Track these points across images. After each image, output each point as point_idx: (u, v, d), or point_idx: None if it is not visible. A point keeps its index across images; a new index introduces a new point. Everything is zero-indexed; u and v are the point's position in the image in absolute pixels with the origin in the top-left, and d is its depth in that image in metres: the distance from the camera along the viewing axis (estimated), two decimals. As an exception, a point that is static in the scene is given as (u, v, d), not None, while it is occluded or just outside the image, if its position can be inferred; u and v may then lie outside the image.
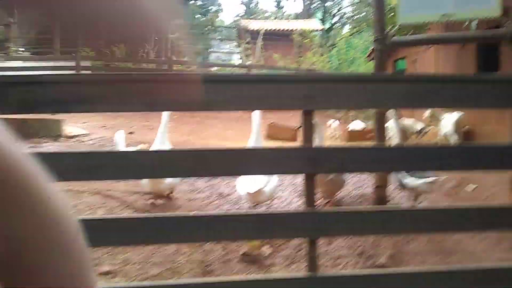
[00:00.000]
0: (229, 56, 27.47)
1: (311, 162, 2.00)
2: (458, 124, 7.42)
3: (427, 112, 8.25)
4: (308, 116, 2.07)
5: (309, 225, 2.05)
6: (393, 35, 3.83)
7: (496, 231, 3.18)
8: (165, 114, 4.50)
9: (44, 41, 18.02)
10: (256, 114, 4.58)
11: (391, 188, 4.36)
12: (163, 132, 4.41)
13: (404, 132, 8.58)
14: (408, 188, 3.93)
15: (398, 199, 4.40)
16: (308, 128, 2.08)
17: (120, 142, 4.60)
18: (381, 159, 2.06)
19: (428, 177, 3.87)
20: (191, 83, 1.91)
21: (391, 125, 5.02)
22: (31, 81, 1.96)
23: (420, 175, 3.88)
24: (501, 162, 2.09)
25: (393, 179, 4.14)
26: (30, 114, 1.97)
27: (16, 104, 1.95)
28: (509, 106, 2.35)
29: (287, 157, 2.02)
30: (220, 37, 30.33)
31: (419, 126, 8.42)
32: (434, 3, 3.63)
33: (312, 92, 2.02)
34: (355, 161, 2.03)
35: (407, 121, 8.69)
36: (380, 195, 3.90)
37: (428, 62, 9.39)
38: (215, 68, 23.55)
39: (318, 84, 2.01)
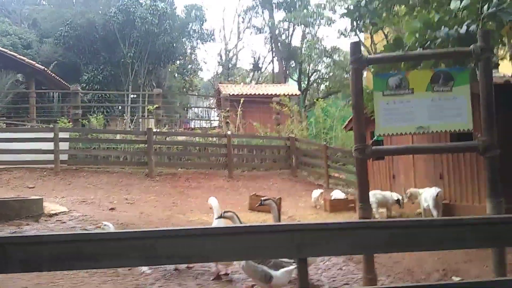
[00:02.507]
0: (207, 112, 27.84)
1: None
2: (438, 199, 7.62)
3: (408, 192, 8.52)
4: (303, 263, 2.12)
5: None
6: (372, 144, 3.99)
7: None
8: (214, 201, 5.35)
9: (20, 110, 17.98)
10: (213, 200, 5.27)
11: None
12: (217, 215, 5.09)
13: (385, 203, 8.77)
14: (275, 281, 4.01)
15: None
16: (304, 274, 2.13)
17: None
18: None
19: (288, 264, 4.03)
20: (191, 237, 1.92)
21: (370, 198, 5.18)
22: (34, 241, 1.96)
23: (275, 264, 4.04)
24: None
25: (255, 272, 4.14)
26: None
27: (19, 264, 1.94)
28: (491, 246, 2.46)
29: None
30: (198, 94, 30.86)
31: (395, 196, 8.67)
32: (410, 116, 3.86)
33: (304, 241, 2.09)
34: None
35: (386, 193, 8.89)
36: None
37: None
38: (193, 125, 23.76)
39: (309, 233, 2.09)
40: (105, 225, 5.30)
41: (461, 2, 4.96)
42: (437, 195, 7.62)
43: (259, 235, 2.09)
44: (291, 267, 4.04)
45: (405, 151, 5.10)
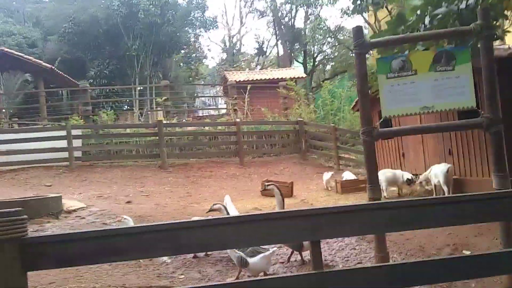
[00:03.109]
0: (214, 100, 27.93)
1: None
2: (448, 175, 7.70)
3: (420, 180, 8.49)
4: (316, 245, 2.26)
5: None
6: (379, 127, 4.09)
7: None
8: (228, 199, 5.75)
9: (31, 109, 18.23)
10: (227, 198, 5.54)
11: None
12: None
13: (395, 182, 8.86)
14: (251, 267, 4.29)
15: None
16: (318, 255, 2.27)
17: (229, 204, 5.65)
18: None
19: (265, 250, 4.29)
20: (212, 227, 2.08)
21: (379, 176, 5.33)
22: (66, 239, 2.12)
23: (253, 251, 4.33)
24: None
25: (235, 258, 4.45)
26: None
27: (54, 260, 2.10)
28: (490, 220, 2.57)
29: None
30: (204, 83, 30.95)
31: (406, 175, 8.71)
32: (414, 97, 3.94)
33: (318, 225, 2.23)
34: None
35: (397, 172, 8.95)
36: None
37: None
38: (201, 113, 23.92)
39: (322, 217, 2.23)
40: (125, 218, 5.50)
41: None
42: (447, 171, 7.71)
43: (276, 222, 2.23)
44: (267, 252, 4.33)
45: (411, 132, 5.19)
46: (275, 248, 4.52)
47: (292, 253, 5.13)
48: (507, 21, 6.59)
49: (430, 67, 4.03)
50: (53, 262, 2.22)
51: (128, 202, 9.49)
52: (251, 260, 4.33)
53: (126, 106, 23.60)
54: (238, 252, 4.37)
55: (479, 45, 4.02)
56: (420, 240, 5.27)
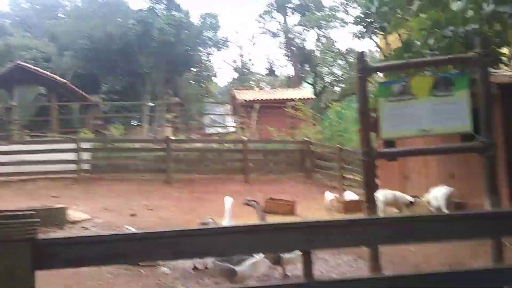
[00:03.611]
0: (222, 118, 28.21)
1: None
2: (448, 198, 7.77)
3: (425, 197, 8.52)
4: (307, 255, 2.40)
5: None
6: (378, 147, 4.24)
7: None
8: (228, 202, 5.79)
9: (43, 122, 18.60)
10: (227, 200, 5.65)
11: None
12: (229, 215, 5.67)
13: (395, 203, 8.90)
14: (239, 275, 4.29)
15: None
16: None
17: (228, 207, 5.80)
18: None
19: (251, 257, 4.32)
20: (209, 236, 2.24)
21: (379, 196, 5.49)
22: (75, 242, 2.27)
23: (238, 259, 4.35)
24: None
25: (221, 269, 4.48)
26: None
27: (63, 261, 2.25)
28: (480, 237, 2.69)
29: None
30: (213, 101, 31.33)
31: (408, 198, 8.74)
32: (412, 120, 4.10)
33: (313, 236, 2.36)
34: None
35: (398, 193, 9.00)
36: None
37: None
38: (210, 131, 24.18)
39: (317, 229, 2.36)
40: (127, 229, 5.66)
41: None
42: (448, 194, 7.78)
43: (272, 232, 2.36)
44: (253, 259, 4.38)
45: (410, 153, 5.33)
46: (261, 256, 4.50)
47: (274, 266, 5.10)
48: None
49: (429, 92, 4.19)
50: (62, 262, 2.36)
51: (133, 215, 9.64)
52: (239, 269, 4.33)
53: (135, 122, 23.95)
54: (223, 262, 4.35)
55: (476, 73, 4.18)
56: (416, 259, 5.36)
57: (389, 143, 4.44)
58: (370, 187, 4.23)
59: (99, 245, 2.32)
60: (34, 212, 2.53)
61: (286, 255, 4.57)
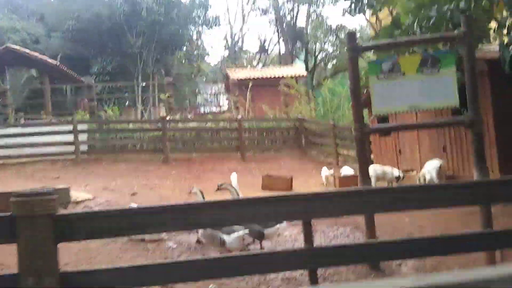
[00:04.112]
0: (215, 97, 28.25)
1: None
2: (440, 170, 8.03)
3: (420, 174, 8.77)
4: (308, 225, 2.64)
5: None
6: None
7: None
8: (234, 178, 6.28)
9: (36, 105, 18.61)
10: (233, 176, 5.92)
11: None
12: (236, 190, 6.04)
13: (384, 177, 9.14)
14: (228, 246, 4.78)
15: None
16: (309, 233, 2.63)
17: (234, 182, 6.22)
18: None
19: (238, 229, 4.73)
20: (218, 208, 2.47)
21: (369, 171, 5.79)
22: (93, 216, 2.49)
23: (228, 231, 4.78)
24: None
25: (206, 235, 4.96)
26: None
27: (84, 233, 2.47)
28: (466, 204, 2.92)
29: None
30: (206, 80, 31.28)
31: (396, 172, 8.92)
32: (402, 96, 4.30)
33: (312, 207, 2.59)
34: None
35: (386, 168, 9.21)
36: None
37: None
38: (203, 110, 24.29)
39: (315, 200, 2.59)
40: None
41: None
42: (440, 167, 8.05)
43: (274, 203, 2.59)
44: (241, 232, 4.79)
45: (400, 128, 5.57)
46: (247, 230, 4.96)
47: (253, 241, 5.48)
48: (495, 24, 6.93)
49: (417, 69, 4.38)
50: (82, 234, 2.59)
51: (133, 194, 9.85)
52: (227, 238, 4.79)
53: (128, 102, 23.94)
54: (216, 232, 4.80)
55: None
56: (410, 230, 5.63)
57: (382, 119, 4.63)
58: (363, 162, 4.46)
59: (117, 218, 2.54)
60: (52, 189, 2.74)
61: (268, 230, 4.98)
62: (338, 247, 2.91)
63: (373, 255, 2.86)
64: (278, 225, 5.07)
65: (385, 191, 2.74)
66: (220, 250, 4.98)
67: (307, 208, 2.63)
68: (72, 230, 2.53)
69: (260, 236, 5.20)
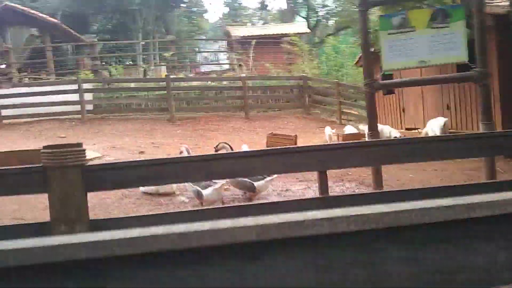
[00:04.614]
0: (216, 56, 27.97)
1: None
2: (444, 128, 8.13)
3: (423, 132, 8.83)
4: (323, 174, 2.77)
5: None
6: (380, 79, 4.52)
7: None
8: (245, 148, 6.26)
9: (38, 64, 18.50)
10: (244, 147, 6.13)
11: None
12: None
13: (383, 137, 9.20)
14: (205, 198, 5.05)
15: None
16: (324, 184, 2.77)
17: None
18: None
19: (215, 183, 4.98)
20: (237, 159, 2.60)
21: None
22: (120, 166, 2.61)
23: (205, 185, 5.00)
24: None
25: (189, 188, 5.25)
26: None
27: (111, 183, 2.60)
28: (469, 157, 3.05)
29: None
30: (207, 38, 30.86)
31: (394, 133, 8.99)
32: (411, 52, 4.34)
33: (325, 158, 2.71)
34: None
35: (385, 128, 9.26)
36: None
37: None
38: (204, 69, 24.13)
39: (330, 152, 2.71)
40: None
41: None
42: (444, 125, 8.14)
43: (292, 155, 2.71)
44: (217, 185, 5.03)
45: (409, 84, 5.61)
46: (223, 181, 5.22)
47: (245, 193, 5.72)
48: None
49: (427, 24, 4.40)
50: (110, 184, 2.74)
51: (141, 152, 10.02)
52: (205, 192, 5.05)
53: (129, 61, 23.77)
54: (195, 186, 5.08)
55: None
56: (414, 185, 5.80)
57: (386, 77, 4.69)
58: (372, 117, 4.56)
59: (142, 168, 2.67)
60: (80, 142, 2.86)
61: (258, 183, 5.22)
62: (351, 195, 3.05)
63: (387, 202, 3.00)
64: (268, 178, 5.27)
65: (398, 143, 2.85)
66: (199, 202, 5.26)
67: (323, 159, 2.75)
68: (101, 180, 2.67)
69: (251, 189, 5.41)
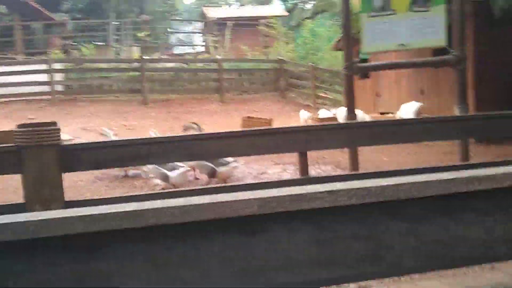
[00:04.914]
0: (189, 37, 27.50)
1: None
2: (418, 113, 8.26)
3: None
4: (303, 156, 2.77)
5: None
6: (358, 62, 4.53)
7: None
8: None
9: (5, 44, 17.80)
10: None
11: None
12: None
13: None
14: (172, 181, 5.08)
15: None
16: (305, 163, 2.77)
17: None
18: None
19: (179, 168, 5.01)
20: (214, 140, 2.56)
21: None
22: (98, 146, 2.54)
23: (171, 167, 5.01)
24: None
25: (154, 171, 5.29)
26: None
27: (88, 163, 2.53)
28: (448, 139, 3.11)
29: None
30: (181, 19, 30.26)
31: (367, 118, 9.08)
32: (391, 35, 4.35)
33: (307, 138, 2.71)
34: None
35: (359, 113, 9.34)
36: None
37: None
38: (177, 51, 23.71)
39: (312, 133, 2.71)
40: (103, 130, 6.11)
41: None
42: (418, 109, 8.27)
43: (273, 136, 2.69)
44: (183, 169, 5.10)
45: (388, 67, 5.66)
46: (187, 167, 5.27)
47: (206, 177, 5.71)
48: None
49: (408, 7, 4.41)
50: (87, 165, 2.66)
51: (114, 135, 9.80)
52: (171, 174, 5.08)
53: (101, 42, 23.11)
54: (161, 169, 5.08)
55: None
56: (391, 167, 5.90)
57: (363, 61, 4.69)
58: (350, 100, 4.57)
59: (122, 148, 2.60)
60: (55, 121, 2.76)
61: (220, 168, 5.20)
62: (330, 177, 3.07)
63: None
64: (233, 164, 5.27)
65: (380, 124, 2.87)
66: (165, 185, 5.24)
67: (305, 140, 2.74)
68: (77, 160, 2.59)
69: (212, 174, 5.41)
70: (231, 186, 3.50)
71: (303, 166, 2.88)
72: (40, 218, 0.79)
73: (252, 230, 0.83)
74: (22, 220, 0.78)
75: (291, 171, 6.35)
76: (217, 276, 0.80)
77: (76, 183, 5.65)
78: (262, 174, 6.22)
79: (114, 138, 5.46)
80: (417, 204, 0.90)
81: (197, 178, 5.84)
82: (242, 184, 3.18)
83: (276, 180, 3.27)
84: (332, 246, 0.86)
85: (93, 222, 0.76)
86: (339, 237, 0.86)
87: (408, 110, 8.42)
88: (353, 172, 3.11)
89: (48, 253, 0.78)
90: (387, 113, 10.37)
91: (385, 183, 0.86)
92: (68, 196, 5.17)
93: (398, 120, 2.82)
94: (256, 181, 3.45)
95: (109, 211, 0.79)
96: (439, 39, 4.36)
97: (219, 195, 0.81)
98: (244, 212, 0.80)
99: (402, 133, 2.93)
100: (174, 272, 0.82)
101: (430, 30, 4.40)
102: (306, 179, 2.85)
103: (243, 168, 6.36)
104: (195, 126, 5.51)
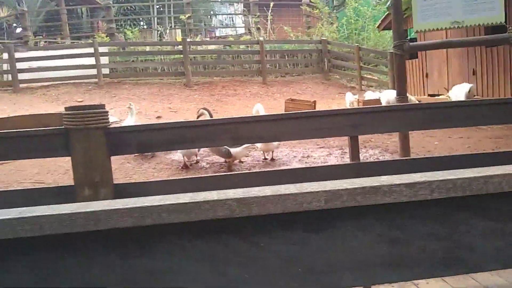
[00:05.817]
0: (231, 19, 27.36)
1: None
2: (469, 95, 7.87)
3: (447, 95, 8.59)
4: (354, 140, 2.63)
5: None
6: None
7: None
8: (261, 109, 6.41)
9: (53, 27, 18.33)
10: (259, 107, 6.13)
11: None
12: None
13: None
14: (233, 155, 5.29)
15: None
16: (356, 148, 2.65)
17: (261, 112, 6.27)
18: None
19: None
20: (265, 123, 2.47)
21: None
22: (145, 129, 2.51)
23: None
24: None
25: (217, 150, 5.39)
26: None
27: (135, 146, 2.51)
28: (501, 123, 2.88)
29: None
30: (222, 0, 30.11)
31: (412, 98, 8.75)
32: (445, 11, 4.07)
33: (358, 122, 2.57)
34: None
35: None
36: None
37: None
38: (218, 33, 23.64)
39: (362, 115, 2.57)
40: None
41: None
42: (469, 91, 7.86)
43: (321, 118, 2.57)
44: (247, 144, 5.20)
45: (441, 46, 5.35)
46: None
47: (225, 160, 5.78)
48: None
49: (464, -19, 4.11)
50: (134, 148, 2.63)
51: (158, 117, 9.96)
52: (233, 150, 5.30)
53: (144, 25, 23.40)
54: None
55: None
56: (440, 152, 5.64)
57: (411, 40, 4.44)
58: (401, 82, 4.35)
59: (168, 131, 2.56)
60: (103, 104, 2.75)
61: (235, 149, 5.35)
62: (381, 162, 2.92)
63: (411, 171, 2.87)
64: (245, 145, 5.35)
65: (435, 107, 2.69)
66: (227, 159, 5.49)
67: (355, 123, 2.61)
68: (125, 143, 2.58)
69: (228, 155, 5.49)
70: (282, 170, 3.42)
71: (354, 150, 2.76)
72: (88, 210, 0.74)
73: (318, 226, 0.75)
74: (68, 212, 0.73)
75: (336, 155, 6.21)
76: (279, 277, 0.73)
77: (124, 165, 5.75)
78: (307, 158, 6.12)
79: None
80: (505, 199, 0.78)
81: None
82: (296, 168, 3.07)
83: (331, 164, 3.14)
84: (407, 246, 0.76)
85: (142, 215, 0.70)
86: (415, 236, 0.76)
87: (459, 92, 8.04)
88: (403, 158, 2.95)
89: (97, 248, 0.73)
90: (437, 95, 9.96)
91: (472, 175, 0.75)
92: (116, 177, 5.31)
93: (453, 102, 2.63)
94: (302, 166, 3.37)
95: (160, 203, 0.73)
96: (497, 16, 4.04)
97: (282, 186, 0.73)
98: (311, 207, 0.71)
99: (459, 116, 2.74)
100: (231, 271, 0.75)
101: (486, 6, 4.09)
102: (357, 164, 2.74)
103: (287, 151, 6.28)
104: (205, 112, 5.52)
